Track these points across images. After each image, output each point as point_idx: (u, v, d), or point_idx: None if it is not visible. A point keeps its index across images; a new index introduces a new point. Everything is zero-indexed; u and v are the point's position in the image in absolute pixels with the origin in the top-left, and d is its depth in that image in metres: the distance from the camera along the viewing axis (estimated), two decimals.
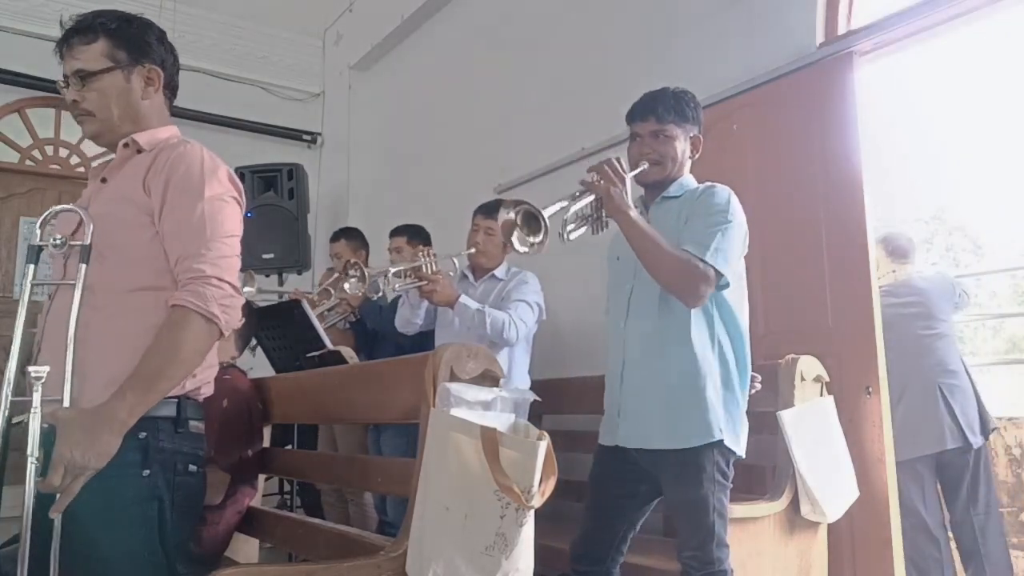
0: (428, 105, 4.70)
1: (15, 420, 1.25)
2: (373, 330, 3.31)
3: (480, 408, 1.48)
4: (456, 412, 1.44)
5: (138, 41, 1.48)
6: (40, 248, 1.30)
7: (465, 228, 2.92)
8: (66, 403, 1.19)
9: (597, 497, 1.88)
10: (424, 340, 2.93)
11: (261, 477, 2.33)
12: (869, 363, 2.35)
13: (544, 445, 1.35)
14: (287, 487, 3.74)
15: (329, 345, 2.88)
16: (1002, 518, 2.95)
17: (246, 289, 3.17)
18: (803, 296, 2.53)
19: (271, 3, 5.37)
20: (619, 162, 1.75)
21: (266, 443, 2.32)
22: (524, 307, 2.66)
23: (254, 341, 3.01)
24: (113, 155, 1.49)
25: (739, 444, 1.76)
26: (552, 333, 3.06)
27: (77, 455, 1.17)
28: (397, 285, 2.68)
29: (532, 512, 1.37)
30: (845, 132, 2.47)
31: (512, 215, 1.69)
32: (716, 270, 1.69)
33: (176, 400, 1.39)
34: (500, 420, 1.46)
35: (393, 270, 2.70)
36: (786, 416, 2.19)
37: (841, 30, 2.61)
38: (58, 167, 4.82)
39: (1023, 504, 3.27)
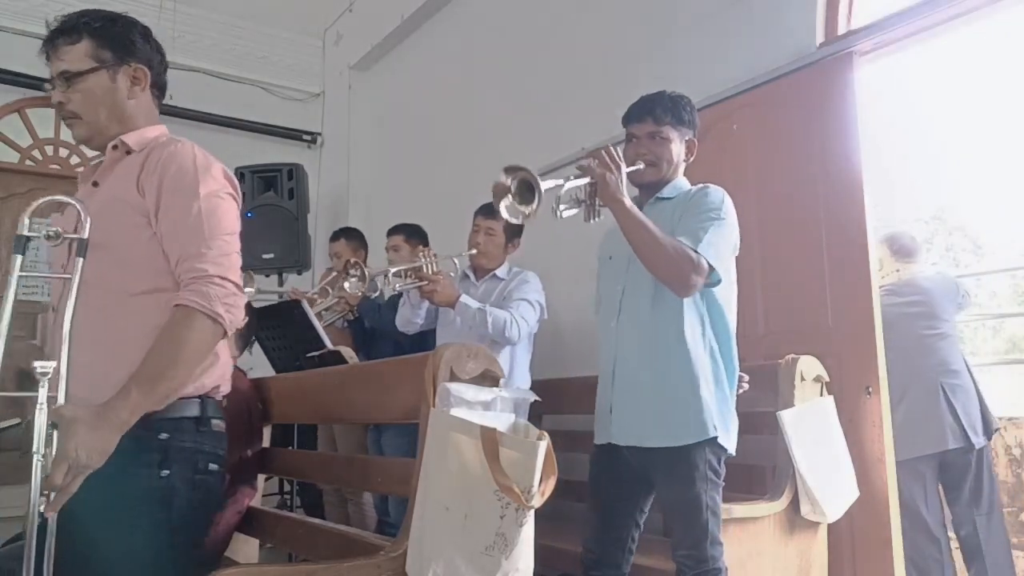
0: (428, 105, 4.70)
1: (3, 425, 1.25)
2: (371, 329, 3.31)
3: (480, 408, 1.48)
4: (456, 412, 1.44)
5: (123, 40, 1.46)
6: (28, 239, 1.25)
7: (465, 228, 2.92)
8: (60, 399, 1.18)
9: (599, 500, 1.89)
10: (424, 339, 2.93)
11: (261, 477, 2.33)
12: (869, 363, 2.35)
13: (544, 445, 1.35)
14: (287, 487, 3.74)
15: (329, 345, 2.88)
16: (1004, 518, 2.94)
17: (246, 289, 3.16)
18: (803, 296, 2.53)
19: (271, 3, 5.37)
20: (617, 152, 1.76)
21: (266, 443, 2.32)
22: (526, 306, 2.66)
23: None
24: (103, 157, 1.48)
25: (731, 441, 1.77)
26: (552, 333, 3.06)
27: (82, 454, 1.16)
28: (398, 285, 2.69)
29: (532, 512, 1.37)
30: (845, 132, 2.47)
31: (507, 180, 1.69)
32: (708, 262, 1.70)
33: (199, 399, 1.40)
34: (500, 420, 1.46)
35: (394, 270, 2.71)
36: (786, 416, 2.20)
37: (841, 30, 2.61)
38: (58, 167, 4.82)
39: (1023, 504, 3.27)
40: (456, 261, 2.90)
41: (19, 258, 1.25)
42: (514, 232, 2.87)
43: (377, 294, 2.94)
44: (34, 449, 1.14)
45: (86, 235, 1.25)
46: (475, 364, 1.53)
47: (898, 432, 2.42)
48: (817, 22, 2.64)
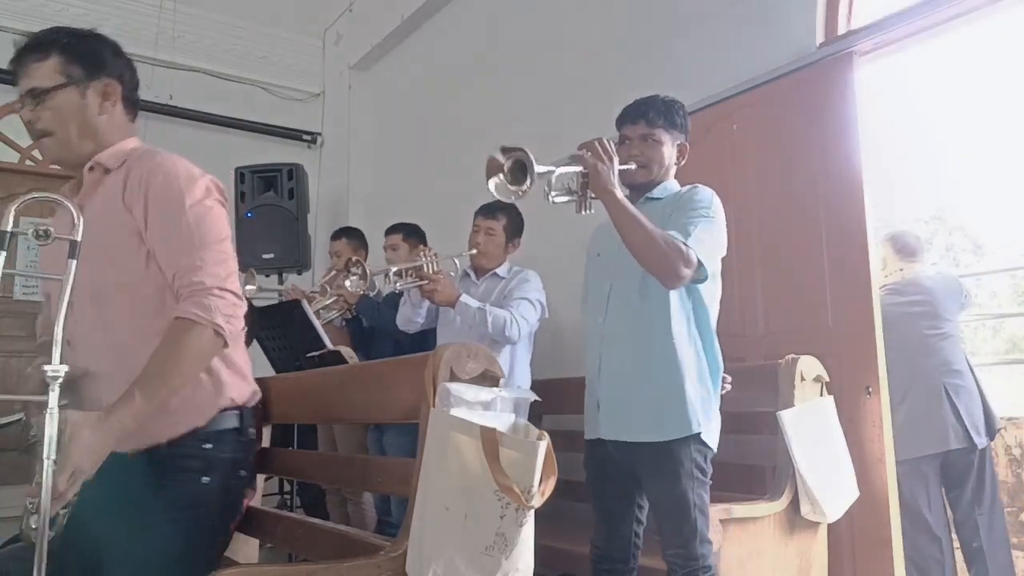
0: (428, 105, 4.70)
1: (3, 421, 1.25)
2: (370, 327, 3.31)
3: (480, 408, 1.47)
4: (456, 412, 1.43)
5: (92, 56, 1.44)
6: (11, 235, 1.19)
7: (465, 228, 2.92)
8: (52, 404, 1.16)
9: (598, 500, 1.91)
10: (424, 338, 2.93)
11: (261, 477, 2.33)
12: (869, 363, 2.35)
13: (544, 445, 1.35)
14: (287, 487, 3.74)
15: (329, 345, 2.88)
16: (1005, 518, 2.94)
17: (247, 287, 3.17)
18: (803, 296, 2.53)
19: (271, 3, 5.37)
20: (610, 144, 1.77)
21: (266, 443, 2.31)
22: (526, 305, 2.66)
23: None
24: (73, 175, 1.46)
25: (714, 439, 1.78)
26: (552, 333, 3.06)
27: (86, 462, 1.18)
28: (398, 284, 2.69)
29: (532, 512, 1.37)
30: (845, 132, 2.47)
31: (501, 159, 1.70)
32: (697, 256, 1.70)
33: (238, 411, 1.45)
34: (500, 420, 1.46)
35: (394, 269, 2.71)
36: (786, 416, 2.20)
37: (841, 30, 2.61)
38: (58, 167, 4.82)
39: (1023, 504, 3.27)
40: (456, 261, 2.91)
41: (2, 255, 1.20)
42: (514, 232, 2.87)
43: (375, 293, 2.95)
44: (45, 455, 1.13)
45: (79, 237, 1.22)
46: (475, 364, 1.52)
47: (901, 432, 2.42)
48: (817, 22, 2.64)
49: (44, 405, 1.14)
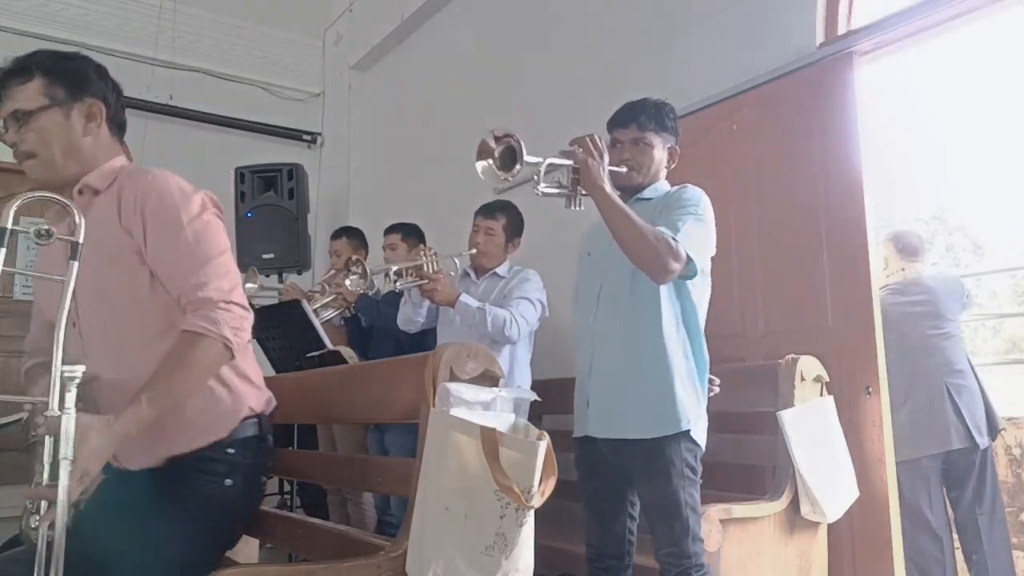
0: (428, 105, 4.70)
1: (3, 421, 1.25)
2: (369, 327, 3.31)
3: (480, 408, 1.47)
4: (456, 412, 1.43)
5: (76, 77, 1.43)
6: (12, 232, 1.19)
7: (465, 228, 2.92)
8: (53, 406, 1.15)
9: (590, 500, 1.91)
10: (424, 338, 2.93)
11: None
12: (869, 363, 2.35)
13: (544, 445, 1.35)
14: (287, 487, 3.74)
15: (329, 345, 2.88)
16: (1005, 518, 2.94)
17: (248, 285, 3.16)
18: (803, 296, 2.53)
19: (271, 3, 5.37)
20: (601, 140, 1.77)
21: None
22: (526, 304, 2.66)
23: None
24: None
25: (703, 438, 1.79)
26: (552, 333, 3.06)
27: (93, 464, 1.18)
28: (398, 284, 2.69)
29: (532, 512, 1.37)
30: (845, 132, 2.47)
31: (492, 144, 1.71)
32: (686, 252, 1.71)
33: (257, 419, 1.50)
34: (500, 420, 1.46)
35: (394, 268, 2.71)
36: (786, 416, 2.20)
37: (841, 30, 2.61)
38: None
39: (1023, 504, 3.27)
40: (456, 260, 2.91)
41: (1, 252, 1.19)
42: (514, 232, 2.87)
43: (375, 292, 2.95)
44: (62, 455, 1.13)
45: (80, 239, 1.22)
46: (475, 364, 1.53)
47: (902, 432, 2.42)
48: (817, 22, 2.64)
49: (46, 406, 1.14)
